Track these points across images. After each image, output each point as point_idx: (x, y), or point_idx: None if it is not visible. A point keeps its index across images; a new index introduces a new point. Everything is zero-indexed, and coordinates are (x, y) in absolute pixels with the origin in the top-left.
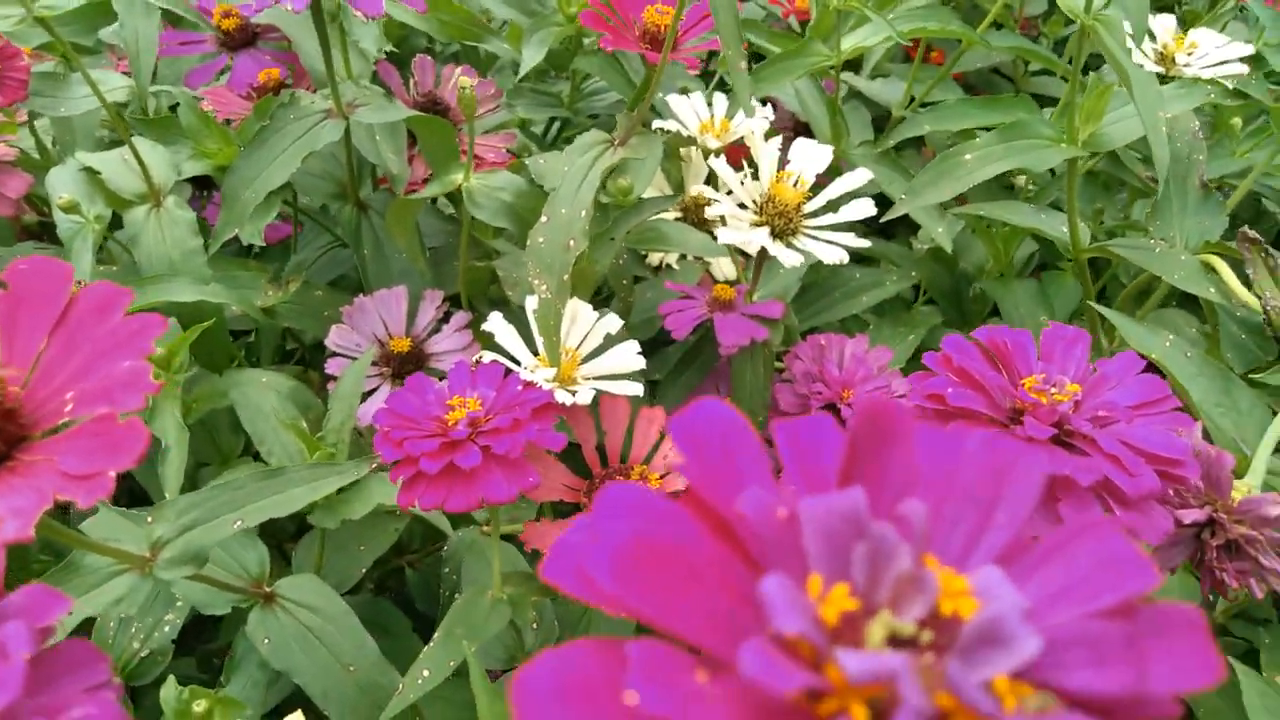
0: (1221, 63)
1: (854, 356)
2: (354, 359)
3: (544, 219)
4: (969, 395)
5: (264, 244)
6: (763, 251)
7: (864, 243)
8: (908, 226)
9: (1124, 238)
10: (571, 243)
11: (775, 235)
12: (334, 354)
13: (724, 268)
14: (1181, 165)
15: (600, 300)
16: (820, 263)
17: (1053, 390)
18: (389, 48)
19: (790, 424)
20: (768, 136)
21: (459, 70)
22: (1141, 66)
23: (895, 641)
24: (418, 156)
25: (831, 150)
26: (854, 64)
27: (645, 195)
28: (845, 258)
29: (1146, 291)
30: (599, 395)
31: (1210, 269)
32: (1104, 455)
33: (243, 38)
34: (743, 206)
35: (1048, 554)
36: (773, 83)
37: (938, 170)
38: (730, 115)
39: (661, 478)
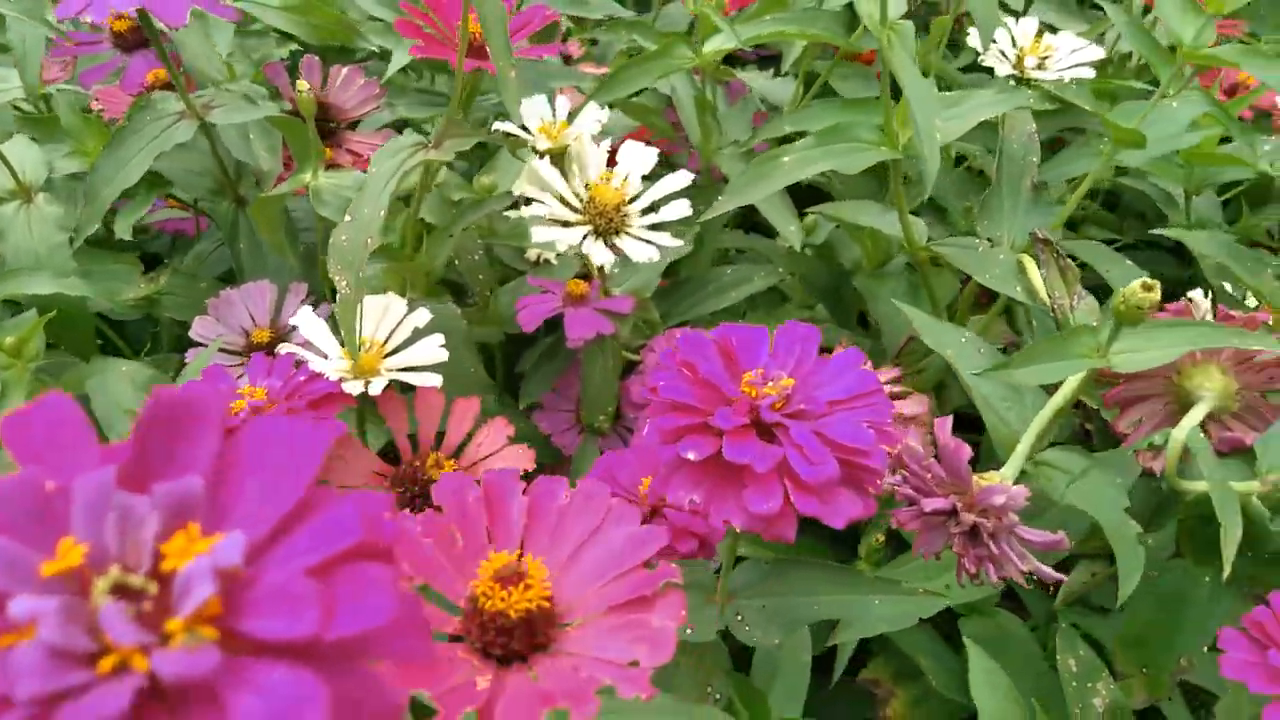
0: (1074, 66)
1: None
2: None
3: (348, 218)
4: (679, 388)
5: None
6: (618, 251)
7: (676, 242)
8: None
9: (957, 237)
10: (369, 240)
11: (598, 234)
12: (195, 344)
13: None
14: (1015, 166)
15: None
16: (694, 259)
17: (766, 385)
18: (292, 48)
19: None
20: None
21: (345, 70)
22: (993, 70)
23: (123, 592)
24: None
25: (656, 152)
26: (775, 59)
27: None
28: (656, 256)
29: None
30: (415, 387)
31: (1023, 269)
32: (791, 444)
33: (136, 39)
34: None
35: (299, 513)
36: (628, 85)
37: (756, 172)
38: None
39: (471, 466)
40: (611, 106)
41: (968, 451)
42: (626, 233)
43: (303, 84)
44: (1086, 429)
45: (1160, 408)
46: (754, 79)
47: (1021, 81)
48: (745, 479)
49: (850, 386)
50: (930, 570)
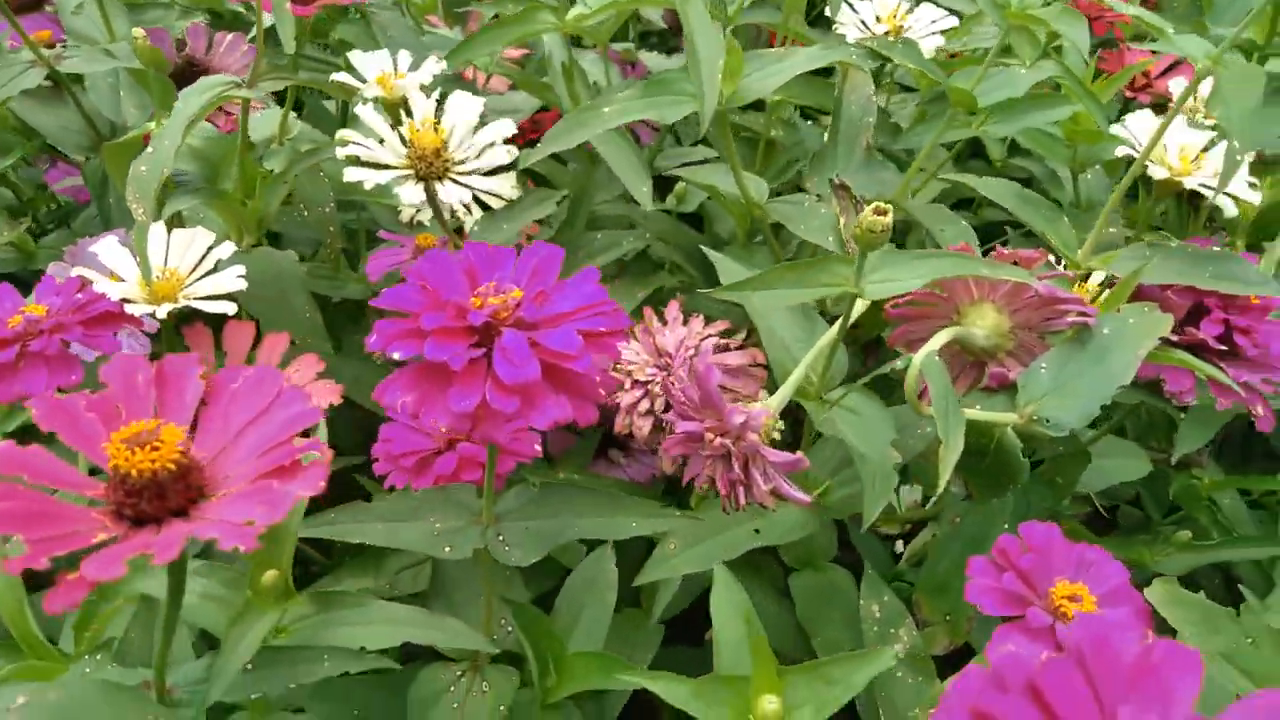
0: (929, 35)
1: None
2: None
3: (149, 149)
4: (404, 296)
5: None
6: (432, 195)
7: (506, 187)
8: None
9: (790, 195)
10: (165, 171)
11: (419, 179)
12: None
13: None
14: (853, 127)
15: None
16: (569, 225)
17: (497, 297)
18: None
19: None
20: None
21: (230, 36)
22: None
23: None
24: None
25: (483, 101)
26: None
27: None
28: (467, 198)
29: None
30: (227, 318)
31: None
32: (499, 347)
33: (26, 2)
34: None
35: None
36: (485, 47)
37: (576, 119)
38: (415, 68)
39: None
40: (515, 87)
41: (716, 375)
42: (449, 178)
43: (137, 31)
44: None
45: (942, 350)
46: (652, 58)
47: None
48: (452, 380)
49: (578, 301)
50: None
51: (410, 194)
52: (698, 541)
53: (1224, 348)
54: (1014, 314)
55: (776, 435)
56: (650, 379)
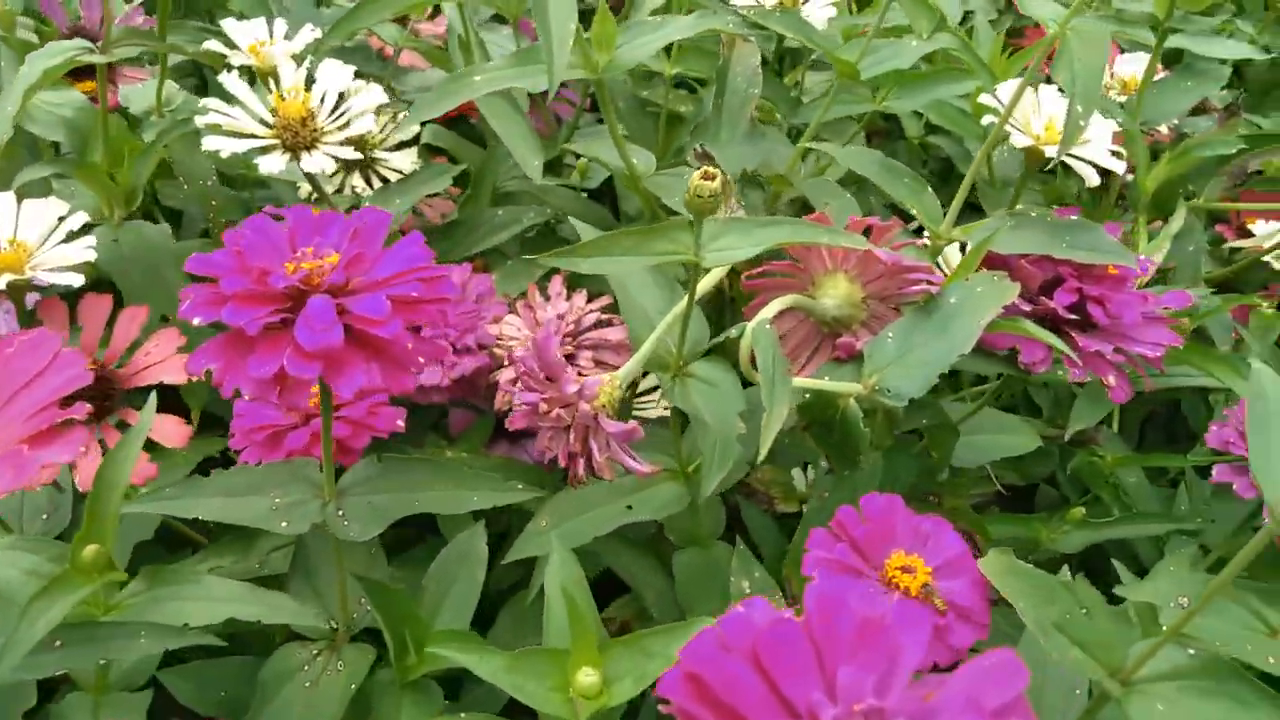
0: (825, 6)
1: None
2: None
3: None
4: (215, 263)
5: None
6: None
7: (406, 160)
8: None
9: (672, 168)
10: (3, 134)
11: (286, 149)
12: None
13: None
14: (737, 98)
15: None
16: (472, 201)
17: (305, 262)
18: None
19: None
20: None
21: (127, 8)
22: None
23: None
24: None
25: (353, 70)
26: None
27: None
28: (330, 167)
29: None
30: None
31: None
32: (303, 312)
33: None
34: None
35: None
36: (364, 20)
37: (446, 88)
38: (290, 37)
39: (137, 372)
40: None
41: (555, 345)
42: (317, 148)
43: None
44: None
45: (796, 323)
46: None
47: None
48: (253, 346)
49: (398, 266)
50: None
51: (269, 164)
52: (569, 518)
53: (1076, 317)
54: (867, 284)
55: (655, 411)
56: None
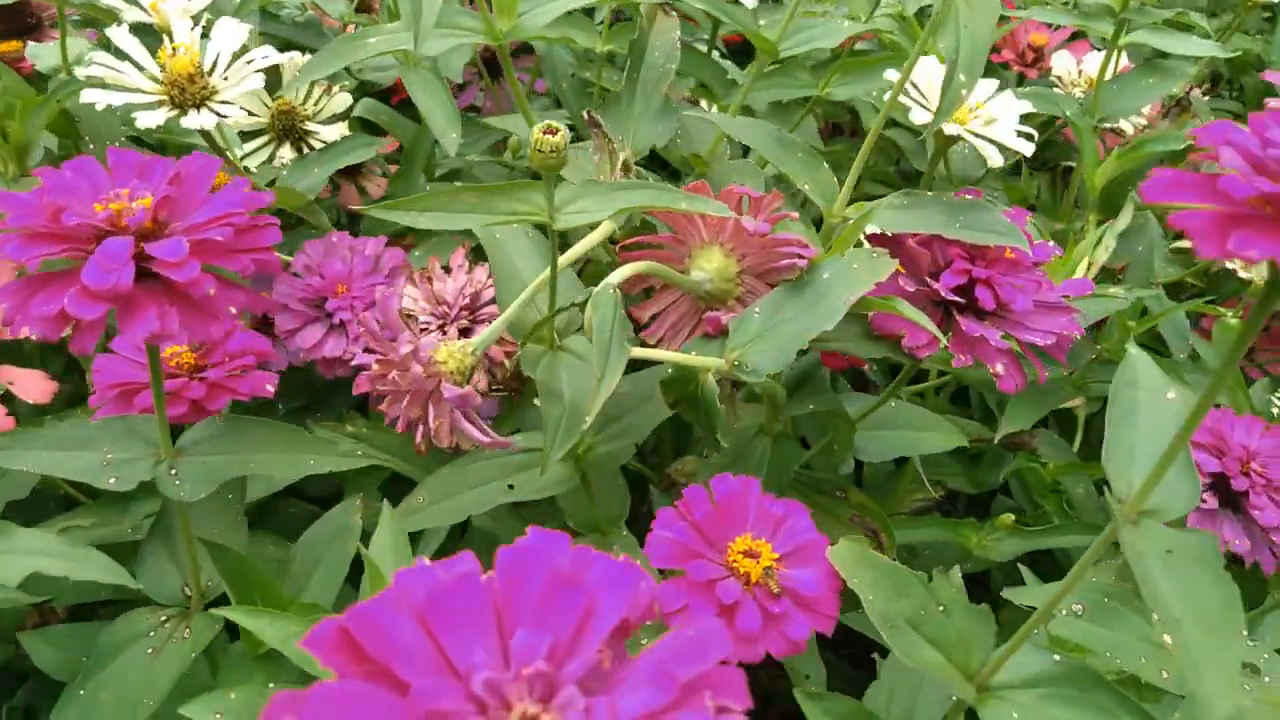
0: None
1: (363, 255)
2: None
3: None
4: (17, 202)
5: None
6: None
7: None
8: None
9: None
10: None
11: (175, 105)
12: None
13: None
14: (653, 73)
15: None
16: (403, 176)
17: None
18: None
19: None
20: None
21: None
22: None
23: None
24: None
25: (249, 29)
26: None
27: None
28: (211, 123)
29: None
30: None
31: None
32: (94, 255)
33: None
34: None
35: None
36: None
37: (338, 49)
38: None
39: None
40: None
41: (395, 303)
42: (207, 106)
43: None
44: None
45: (676, 298)
46: None
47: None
48: (45, 285)
49: (213, 212)
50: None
51: (147, 119)
52: (448, 495)
53: (962, 300)
54: (741, 258)
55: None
56: (424, 327)
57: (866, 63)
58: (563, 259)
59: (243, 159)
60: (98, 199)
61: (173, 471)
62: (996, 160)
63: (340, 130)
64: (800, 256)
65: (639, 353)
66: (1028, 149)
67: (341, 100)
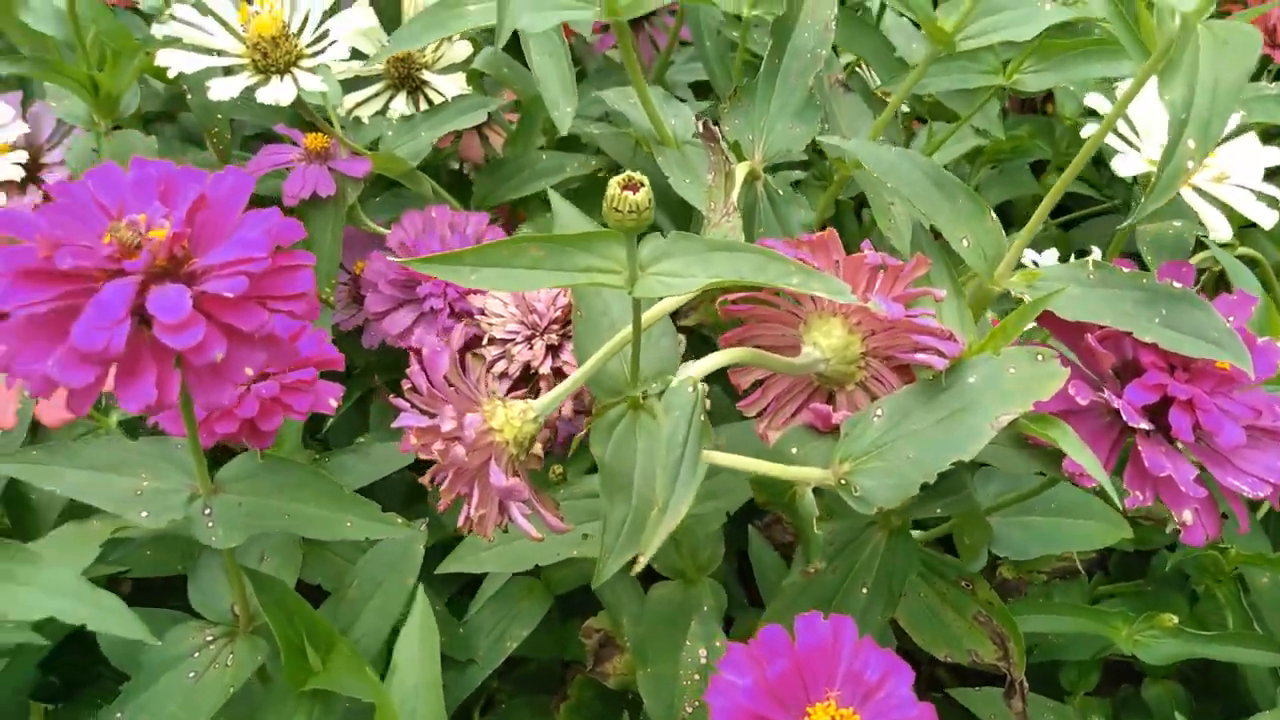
0: None
1: (463, 235)
2: None
3: None
4: (26, 224)
5: None
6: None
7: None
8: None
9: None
10: None
11: (259, 70)
12: None
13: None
14: (798, 60)
15: None
16: (519, 140)
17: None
18: None
19: None
20: None
21: None
22: None
23: None
24: None
25: None
26: None
27: None
28: (290, 96)
29: None
30: None
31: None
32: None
33: None
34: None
35: None
36: None
37: (433, 18)
38: None
39: None
40: None
41: (444, 363)
42: (296, 69)
43: None
44: None
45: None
46: None
47: None
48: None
49: (232, 252)
50: None
51: (220, 89)
52: (515, 538)
53: (1148, 427)
54: (869, 336)
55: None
56: (509, 337)
57: (1069, 45)
58: (649, 313)
59: (354, 109)
60: (111, 221)
61: (207, 511)
62: (1223, 233)
63: (459, 82)
64: (941, 354)
65: (717, 459)
66: (1268, 219)
67: (461, 49)
